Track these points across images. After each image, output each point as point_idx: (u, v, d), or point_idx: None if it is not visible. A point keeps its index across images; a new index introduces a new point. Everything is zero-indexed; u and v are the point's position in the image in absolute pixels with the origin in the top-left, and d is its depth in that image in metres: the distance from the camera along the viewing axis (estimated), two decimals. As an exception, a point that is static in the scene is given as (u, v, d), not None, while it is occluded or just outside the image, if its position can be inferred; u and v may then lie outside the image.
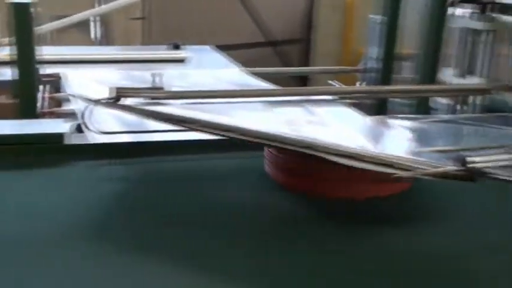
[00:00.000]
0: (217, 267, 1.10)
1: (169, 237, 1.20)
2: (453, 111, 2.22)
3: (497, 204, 1.46)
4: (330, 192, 1.41)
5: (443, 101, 2.27)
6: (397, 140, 1.47)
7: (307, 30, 5.81)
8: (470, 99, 2.13)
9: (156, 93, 1.52)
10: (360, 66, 2.76)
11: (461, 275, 1.16)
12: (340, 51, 6.10)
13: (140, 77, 2.04)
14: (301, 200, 1.41)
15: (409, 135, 1.51)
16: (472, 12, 2.08)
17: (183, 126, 1.35)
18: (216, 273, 1.08)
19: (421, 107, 2.61)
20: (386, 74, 2.57)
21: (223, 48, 3.71)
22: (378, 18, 2.59)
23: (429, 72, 2.42)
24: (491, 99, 2.04)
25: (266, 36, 5.72)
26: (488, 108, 2.14)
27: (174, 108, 1.52)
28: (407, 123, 1.60)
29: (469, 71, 2.16)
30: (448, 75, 2.21)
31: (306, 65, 5.77)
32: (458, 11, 2.21)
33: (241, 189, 1.46)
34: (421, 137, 1.52)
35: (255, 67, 2.63)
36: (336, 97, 1.83)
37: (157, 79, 1.61)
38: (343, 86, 2.51)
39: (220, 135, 1.34)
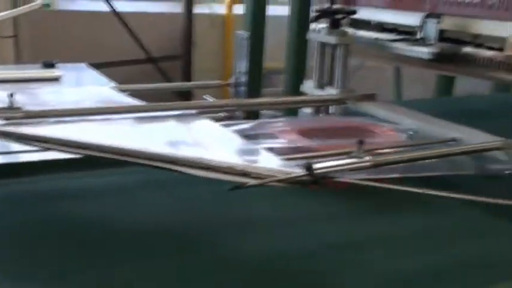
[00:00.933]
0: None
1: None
2: (317, 120, 2.35)
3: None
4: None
5: (308, 110, 2.40)
6: (247, 148, 1.54)
7: (188, 46, 5.87)
8: (330, 109, 2.26)
9: (11, 113, 1.50)
10: (231, 81, 2.84)
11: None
12: (221, 67, 6.20)
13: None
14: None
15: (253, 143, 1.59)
16: (328, 27, 2.22)
17: (37, 145, 1.34)
18: None
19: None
20: (254, 87, 2.68)
21: (102, 65, 3.67)
22: (244, 33, 2.70)
23: (295, 84, 2.55)
24: (346, 108, 2.19)
25: (146, 53, 5.70)
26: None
27: (33, 127, 1.51)
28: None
29: (328, 82, 2.29)
30: (309, 87, 2.34)
31: (188, 81, 5.82)
32: (316, 26, 2.35)
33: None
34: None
35: (134, 84, 2.63)
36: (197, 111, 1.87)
37: (14, 99, 1.58)
38: (212, 100, 2.57)
39: (78, 153, 1.35)
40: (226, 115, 2.63)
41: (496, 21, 1.96)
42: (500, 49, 1.97)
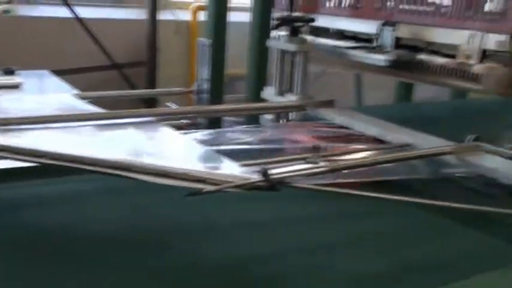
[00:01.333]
0: None
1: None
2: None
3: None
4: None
5: (268, 117, 2.42)
6: (205, 155, 1.56)
7: (152, 53, 5.84)
8: (290, 115, 2.29)
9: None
10: (194, 88, 2.85)
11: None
12: (186, 74, 6.18)
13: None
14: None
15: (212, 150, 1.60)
16: (288, 35, 2.25)
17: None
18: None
19: (252, 124, 2.76)
20: (216, 94, 2.69)
21: (65, 72, 3.64)
22: (206, 40, 2.71)
23: (256, 91, 2.58)
24: (305, 114, 2.22)
25: (110, 59, 5.65)
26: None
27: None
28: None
29: (288, 89, 2.32)
30: (269, 94, 2.36)
31: (153, 88, 5.78)
32: (276, 33, 2.38)
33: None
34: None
35: (98, 91, 2.62)
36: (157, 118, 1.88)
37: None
38: (174, 107, 2.58)
39: (33, 162, 1.35)
40: (188, 122, 2.65)
41: (449, 29, 2.02)
42: (453, 56, 2.02)
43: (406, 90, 3.67)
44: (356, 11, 2.39)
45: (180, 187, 1.30)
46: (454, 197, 1.70)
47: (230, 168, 1.43)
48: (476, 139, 1.79)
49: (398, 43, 2.23)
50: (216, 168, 1.47)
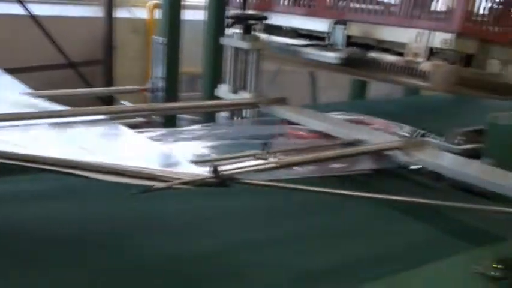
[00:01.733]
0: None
1: None
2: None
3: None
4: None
5: (224, 114, 2.43)
6: (156, 152, 1.56)
7: (109, 51, 5.78)
8: (244, 112, 2.30)
9: None
10: (148, 85, 2.85)
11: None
12: (144, 72, 6.13)
13: None
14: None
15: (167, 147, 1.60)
16: (241, 33, 2.26)
17: None
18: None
19: (208, 121, 2.77)
20: (171, 92, 2.69)
21: (18, 71, 3.56)
22: (160, 39, 2.71)
23: (211, 89, 2.58)
24: (260, 112, 2.24)
25: (66, 57, 5.56)
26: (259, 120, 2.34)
27: None
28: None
29: (242, 86, 2.33)
30: (224, 91, 2.38)
31: (110, 86, 5.72)
32: (232, 31, 2.39)
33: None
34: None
35: (54, 89, 2.58)
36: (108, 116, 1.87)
37: None
38: (129, 105, 2.56)
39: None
40: (144, 120, 2.64)
41: (398, 28, 2.06)
42: (402, 54, 2.07)
43: (360, 88, 3.73)
44: (309, 10, 2.42)
45: (132, 185, 1.30)
46: (402, 191, 1.76)
47: (181, 165, 1.44)
48: (423, 135, 1.85)
49: (350, 41, 2.27)
50: (168, 165, 1.47)
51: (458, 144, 1.88)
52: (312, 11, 2.40)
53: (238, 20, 2.24)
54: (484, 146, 1.81)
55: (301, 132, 1.98)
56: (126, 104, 2.87)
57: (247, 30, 2.22)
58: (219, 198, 1.61)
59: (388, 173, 1.87)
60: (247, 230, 1.51)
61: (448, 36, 1.88)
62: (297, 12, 2.50)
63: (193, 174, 1.37)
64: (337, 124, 1.98)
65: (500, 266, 1.29)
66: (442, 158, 1.71)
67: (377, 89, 4.22)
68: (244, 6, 2.25)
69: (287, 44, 2.40)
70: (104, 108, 2.10)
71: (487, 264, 1.31)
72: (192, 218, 1.57)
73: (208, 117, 2.78)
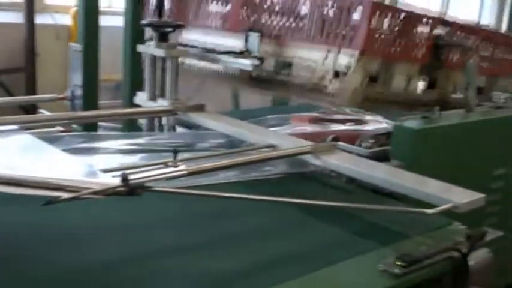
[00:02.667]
0: None
1: None
2: (151, 130, 2.38)
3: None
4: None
5: (143, 121, 2.42)
6: (65, 162, 1.54)
7: (31, 58, 5.63)
8: (163, 119, 2.30)
9: None
10: (67, 94, 2.79)
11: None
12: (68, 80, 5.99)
13: None
14: None
15: (75, 157, 1.59)
16: (157, 40, 2.26)
17: None
18: None
19: (128, 129, 2.75)
20: (90, 100, 2.66)
21: None
22: (78, 46, 2.67)
23: (131, 96, 2.56)
24: (178, 119, 2.25)
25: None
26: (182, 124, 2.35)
27: None
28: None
29: (160, 94, 2.33)
30: (142, 99, 2.36)
31: (33, 94, 5.57)
32: (149, 38, 2.38)
33: None
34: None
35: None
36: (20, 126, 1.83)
37: None
38: (48, 114, 2.51)
39: None
40: (63, 129, 2.59)
41: (305, 50, 2.10)
42: (312, 74, 2.12)
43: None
44: (223, 25, 2.42)
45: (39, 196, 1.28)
46: (314, 193, 1.81)
47: (90, 175, 1.43)
48: (334, 139, 1.90)
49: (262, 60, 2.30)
50: (77, 174, 1.45)
51: (368, 148, 1.95)
52: (226, 26, 2.40)
53: (153, 27, 2.23)
54: (391, 148, 1.89)
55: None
56: (45, 113, 2.81)
57: (164, 38, 2.22)
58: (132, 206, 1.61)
59: (302, 176, 1.92)
60: (162, 237, 1.51)
61: (351, 58, 1.95)
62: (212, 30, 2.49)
63: (103, 183, 1.36)
64: (251, 130, 2.01)
65: (400, 263, 1.35)
66: (349, 161, 1.77)
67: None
68: (159, 13, 2.25)
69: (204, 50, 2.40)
70: (16, 117, 2.05)
71: (390, 262, 1.37)
72: (98, 226, 1.55)
73: (128, 124, 2.76)
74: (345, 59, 1.94)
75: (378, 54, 2.01)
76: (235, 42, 2.34)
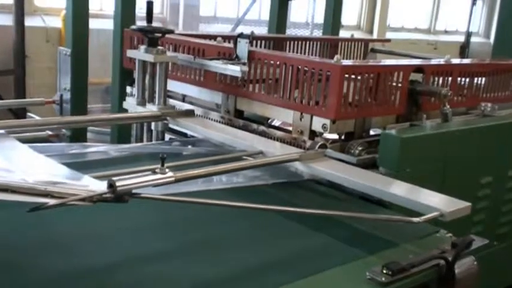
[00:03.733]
0: None
1: None
2: (141, 136, 2.38)
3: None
4: None
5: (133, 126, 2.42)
6: (52, 168, 1.53)
7: (21, 61, 5.61)
8: (152, 124, 2.30)
9: None
10: (56, 98, 2.78)
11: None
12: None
13: None
14: None
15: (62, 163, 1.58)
16: (146, 46, 2.25)
17: None
18: None
19: (117, 133, 2.75)
20: (78, 104, 2.65)
21: None
22: (67, 50, 2.66)
23: (120, 101, 2.55)
24: (167, 124, 2.25)
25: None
26: (171, 129, 2.35)
27: None
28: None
29: (150, 99, 2.32)
30: (131, 104, 2.36)
31: (23, 97, 5.55)
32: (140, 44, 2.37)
33: None
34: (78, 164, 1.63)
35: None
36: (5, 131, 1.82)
37: None
38: (37, 118, 2.50)
39: None
40: (52, 133, 2.58)
41: (283, 109, 2.09)
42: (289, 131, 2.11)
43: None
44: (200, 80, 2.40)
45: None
46: (302, 200, 1.81)
47: (78, 181, 1.42)
48: (322, 146, 1.91)
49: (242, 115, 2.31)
50: (63, 181, 1.44)
51: (357, 155, 1.96)
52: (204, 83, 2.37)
53: (142, 32, 2.23)
54: (379, 156, 1.89)
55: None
56: (34, 117, 2.80)
57: (152, 43, 2.21)
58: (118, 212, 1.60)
59: (291, 183, 1.92)
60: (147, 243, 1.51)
61: (326, 121, 1.96)
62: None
63: (90, 189, 1.36)
64: (240, 136, 2.02)
65: (387, 272, 1.35)
66: (338, 168, 1.78)
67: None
68: (149, 18, 2.24)
69: (194, 57, 2.38)
70: (4, 122, 2.04)
71: (377, 270, 1.37)
72: (83, 231, 1.55)
73: (118, 129, 2.75)
74: (320, 122, 1.96)
75: (351, 117, 2.04)
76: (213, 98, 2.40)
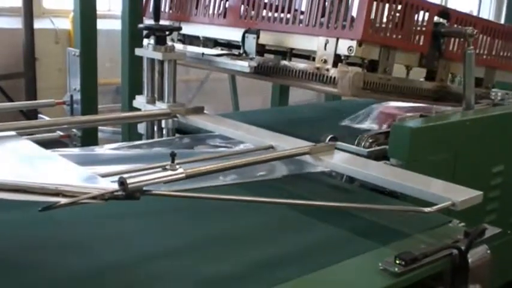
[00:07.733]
0: None
1: None
2: (152, 134, 2.39)
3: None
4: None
5: (143, 125, 2.43)
6: (63, 168, 1.55)
7: (31, 63, 5.64)
8: (163, 123, 2.31)
9: None
10: (66, 98, 2.80)
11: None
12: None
13: None
14: None
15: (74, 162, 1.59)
16: (154, 43, 2.26)
17: None
18: None
19: (127, 132, 2.76)
20: (89, 105, 2.66)
21: None
22: (76, 50, 2.67)
23: (130, 100, 2.57)
24: (178, 122, 2.25)
25: (-15, 70, 5.38)
26: (179, 130, 2.35)
27: None
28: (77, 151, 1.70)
29: (159, 97, 2.33)
30: (141, 103, 2.37)
31: (34, 99, 5.58)
32: (148, 41, 2.38)
33: None
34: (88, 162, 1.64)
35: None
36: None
37: None
38: (47, 119, 2.52)
39: None
40: (64, 134, 2.60)
41: (307, 36, 2.12)
42: (312, 61, 2.13)
43: (281, 95, 3.80)
44: (222, 19, 2.45)
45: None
46: (315, 193, 1.82)
47: (89, 179, 1.43)
48: (332, 139, 1.91)
49: (263, 49, 2.32)
50: (75, 180, 1.45)
51: (367, 147, 1.96)
52: (225, 21, 2.43)
53: (150, 30, 2.24)
54: (389, 147, 1.89)
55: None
56: (45, 118, 2.82)
57: (161, 41, 2.22)
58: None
59: (303, 177, 1.92)
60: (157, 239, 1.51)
61: (352, 43, 1.96)
62: (211, 22, 2.53)
63: (101, 188, 1.37)
64: (250, 132, 2.02)
65: (400, 262, 1.35)
66: (348, 160, 1.78)
67: (298, 96, 4.32)
68: (156, 17, 2.25)
69: (202, 54, 2.41)
70: (15, 123, 2.06)
71: (390, 261, 1.37)
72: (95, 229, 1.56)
73: (128, 128, 2.76)
74: (346, 45, 1.97)
75: (376, 42, 2.03)
76: (233, 36, 2.38)
